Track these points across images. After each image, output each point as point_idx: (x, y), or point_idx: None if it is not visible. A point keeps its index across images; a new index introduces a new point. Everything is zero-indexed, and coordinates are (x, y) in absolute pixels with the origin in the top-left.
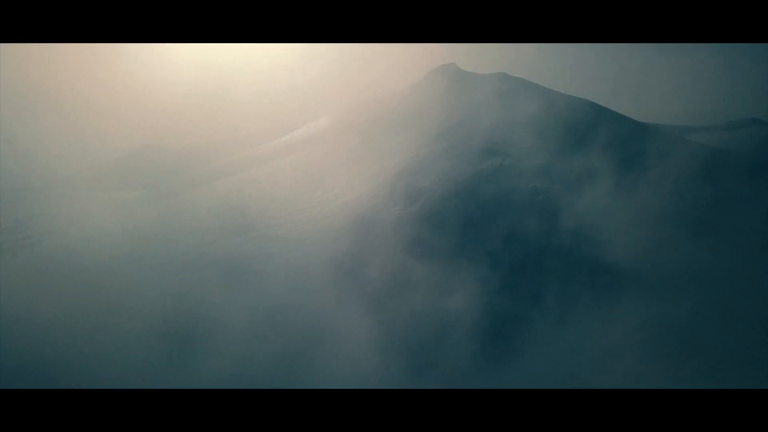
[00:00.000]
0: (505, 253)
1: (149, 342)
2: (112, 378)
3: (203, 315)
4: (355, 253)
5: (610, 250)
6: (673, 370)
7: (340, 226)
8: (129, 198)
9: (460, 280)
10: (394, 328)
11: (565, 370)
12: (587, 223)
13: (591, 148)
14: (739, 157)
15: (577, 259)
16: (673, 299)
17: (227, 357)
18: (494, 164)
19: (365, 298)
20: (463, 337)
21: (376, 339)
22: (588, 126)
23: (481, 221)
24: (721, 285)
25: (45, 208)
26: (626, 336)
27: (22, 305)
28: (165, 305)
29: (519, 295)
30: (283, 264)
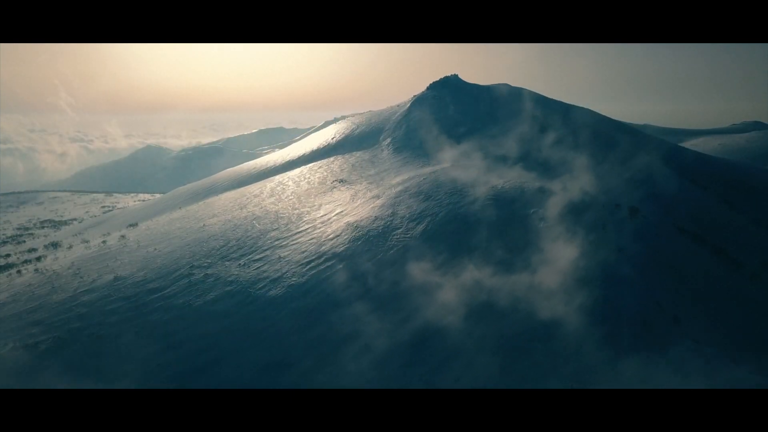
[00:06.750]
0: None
1: (150, 362)
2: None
3: (205, 339)
4: (359, 274)
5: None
6: None
7: (344, 248)
8: (130, 208)
9: (462, 302)
10: (397, 347)
11: None
12: (592, 241)
13: (595, 159)
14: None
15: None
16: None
17: (229, 379)
18: (496, 185)
19: (369, 318)
20: (468, 362)
21: (380, 357)
22: (592, 136)
23: (485, 244)
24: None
25: (46, 212)
26: None
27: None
28: (167, 329)
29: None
30: (286, 286)
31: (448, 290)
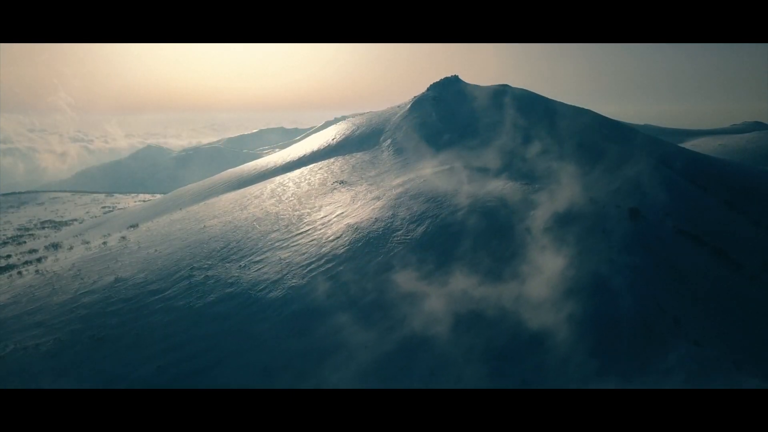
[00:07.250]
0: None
1: (150, 364)
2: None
3: (206, 341)
4: (359, 278)
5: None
6: None
7: (344, 250)
8: (130, 209)
9: (463, 308)
10: (398, 354)
11: None
12: (592, 242)
13: (596, 163)
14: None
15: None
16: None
17: (230, 381)
18: (497, 187)
19: (369, 322)
20: (467, 372)
21: (379, 360)
22: (592, 139)
23: (485, 247)
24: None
25: (46, 213)
26: None
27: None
28: (167, 331)
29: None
30: (286, 288)
31: (448, 293)
